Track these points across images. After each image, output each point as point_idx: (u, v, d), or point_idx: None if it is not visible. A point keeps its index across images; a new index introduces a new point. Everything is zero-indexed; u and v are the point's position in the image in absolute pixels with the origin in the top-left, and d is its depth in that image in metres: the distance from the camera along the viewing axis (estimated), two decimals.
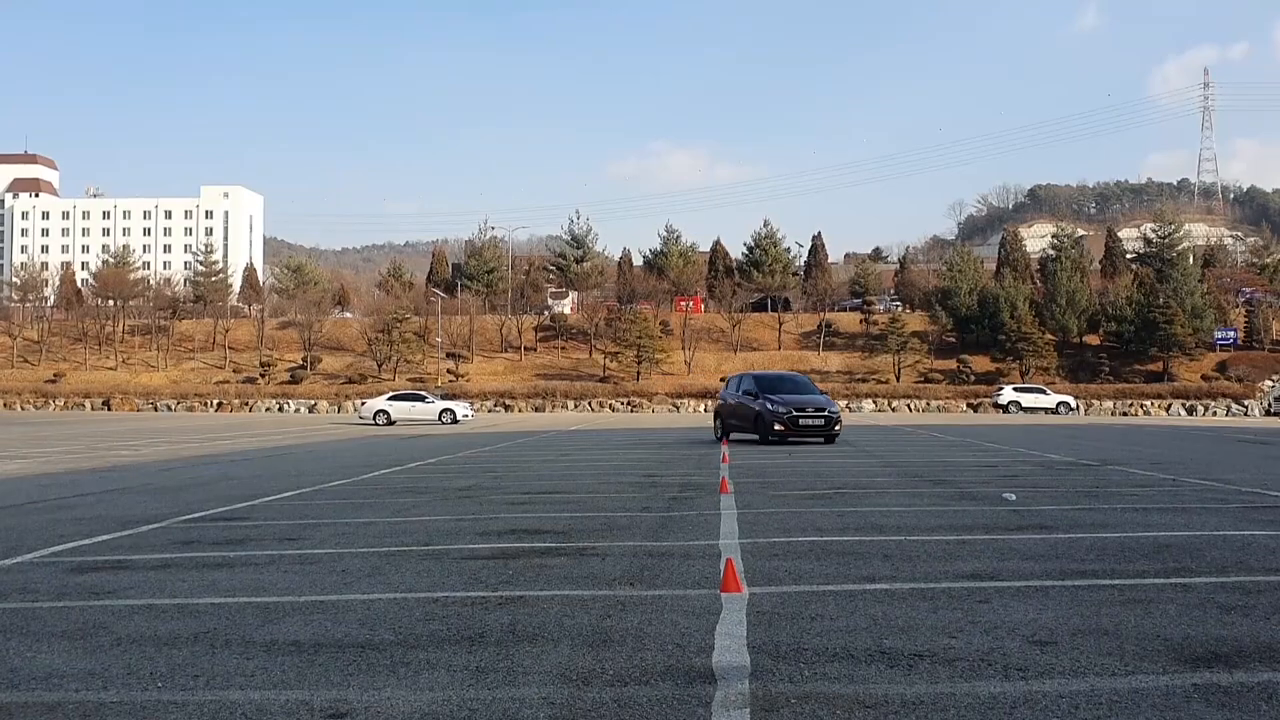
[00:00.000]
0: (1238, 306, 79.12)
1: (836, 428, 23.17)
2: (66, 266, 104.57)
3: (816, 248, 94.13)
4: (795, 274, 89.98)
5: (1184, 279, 75.53)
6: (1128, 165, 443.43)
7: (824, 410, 23.07)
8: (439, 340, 75.26)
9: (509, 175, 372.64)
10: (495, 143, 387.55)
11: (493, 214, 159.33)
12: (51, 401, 71.64)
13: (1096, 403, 64.55)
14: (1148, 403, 64.84)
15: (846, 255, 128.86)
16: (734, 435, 24.98)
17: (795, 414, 22.55)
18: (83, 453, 21.84)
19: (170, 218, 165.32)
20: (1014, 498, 11.36)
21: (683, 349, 75.40)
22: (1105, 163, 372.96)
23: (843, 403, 66.73)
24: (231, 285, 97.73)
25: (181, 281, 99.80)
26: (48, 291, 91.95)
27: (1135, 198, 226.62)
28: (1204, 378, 68.69)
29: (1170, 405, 64.11)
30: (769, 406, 22.77)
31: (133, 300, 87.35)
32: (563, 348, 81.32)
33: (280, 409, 68.61)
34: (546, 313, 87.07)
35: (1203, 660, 4.56)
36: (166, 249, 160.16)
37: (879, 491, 12.36)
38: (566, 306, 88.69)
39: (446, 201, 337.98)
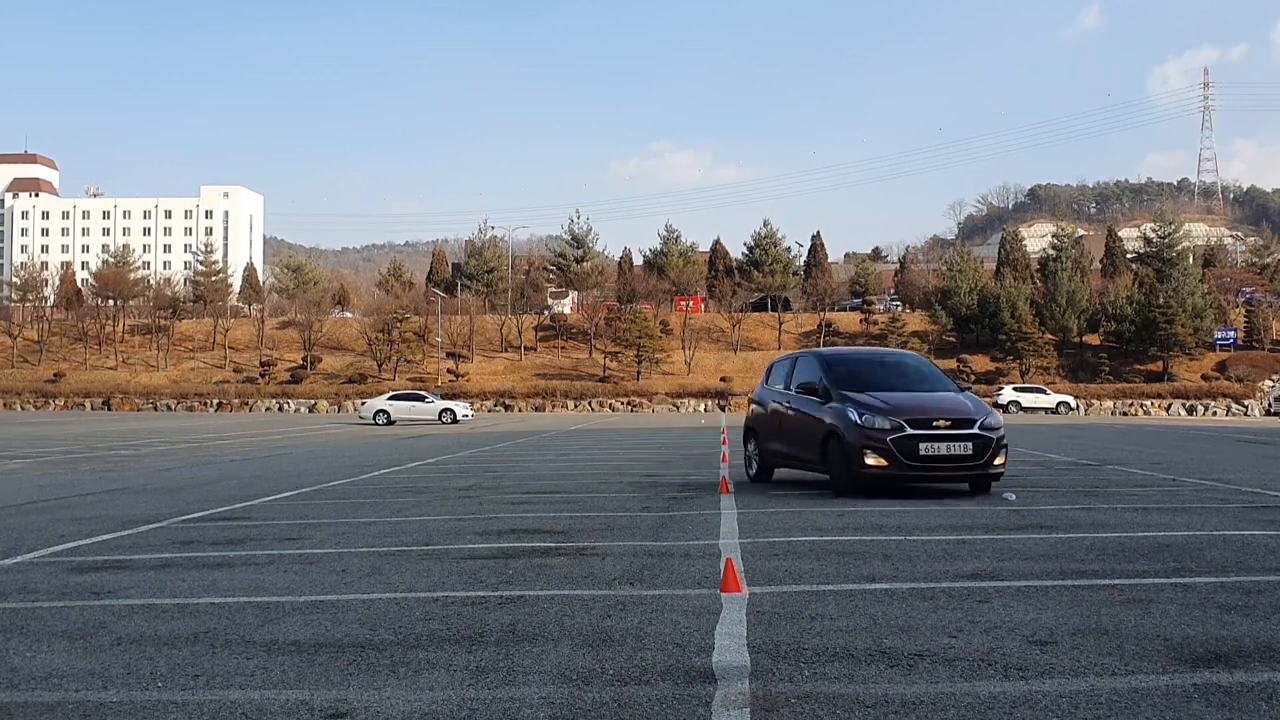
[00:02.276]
0: (1238, 306, 79.15)
1: (998, 461, 11.44)
2: (66, 266, 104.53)
3: (816, 247, 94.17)
4: (795, 274, 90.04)
5: (1184, 279, 75.58)
6: (1128, 165, 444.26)
7: (974, 424, 11.29)
8: (439, 340, 75.26)
9: (509, 175, 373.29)
10: (495, 143, 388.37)
11: (493, 214, 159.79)
12: (51, 401, 71.64)
13: (1096, 402, 64.56)
14: (1148, 402, 64.84)
15: (846, 255, 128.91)
16: (783, 470, 13.75)
17: (913, 434, 11.02)
18: (83, 453, 21.83)
19: (170, 218, 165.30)
20: (1014, 498, 11.36)
21: (683, 349, 75.38)
22: (1105, 163, 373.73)
23: None
24: (231, 285, 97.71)
25: (181, 281, 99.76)
26: (48, 291, 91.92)
27: (1135, 198, 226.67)
28: (1204, 378, 68.70)
29: (1170, 405, 64.12)
30: (855, 416, 11.33)
31: (133, 300, 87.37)
32: (563, 348, 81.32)
33: (280, 409, 68.61)
34: (546, 312, 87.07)
35: (1203, 660, 4.55)
36: (166, 249, 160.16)
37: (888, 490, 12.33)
38: (566, 306, 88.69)
39: (446, 201, 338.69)
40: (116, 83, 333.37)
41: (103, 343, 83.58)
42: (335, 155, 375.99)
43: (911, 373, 12.93)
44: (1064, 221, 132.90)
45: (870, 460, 11.10)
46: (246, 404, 69.30)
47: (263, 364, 76.19)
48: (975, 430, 11.20)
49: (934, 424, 11.14)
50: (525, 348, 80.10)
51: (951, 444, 11.08)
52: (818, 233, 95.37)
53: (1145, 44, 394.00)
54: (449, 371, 72.84)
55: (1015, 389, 62.82)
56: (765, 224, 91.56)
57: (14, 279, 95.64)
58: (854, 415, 11.33)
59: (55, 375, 76.13)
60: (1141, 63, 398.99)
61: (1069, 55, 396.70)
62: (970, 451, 11.11)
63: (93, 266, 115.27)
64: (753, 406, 14.38)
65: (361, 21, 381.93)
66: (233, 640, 5.12)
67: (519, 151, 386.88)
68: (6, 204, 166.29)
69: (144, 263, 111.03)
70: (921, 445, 10.99)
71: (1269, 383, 65.63)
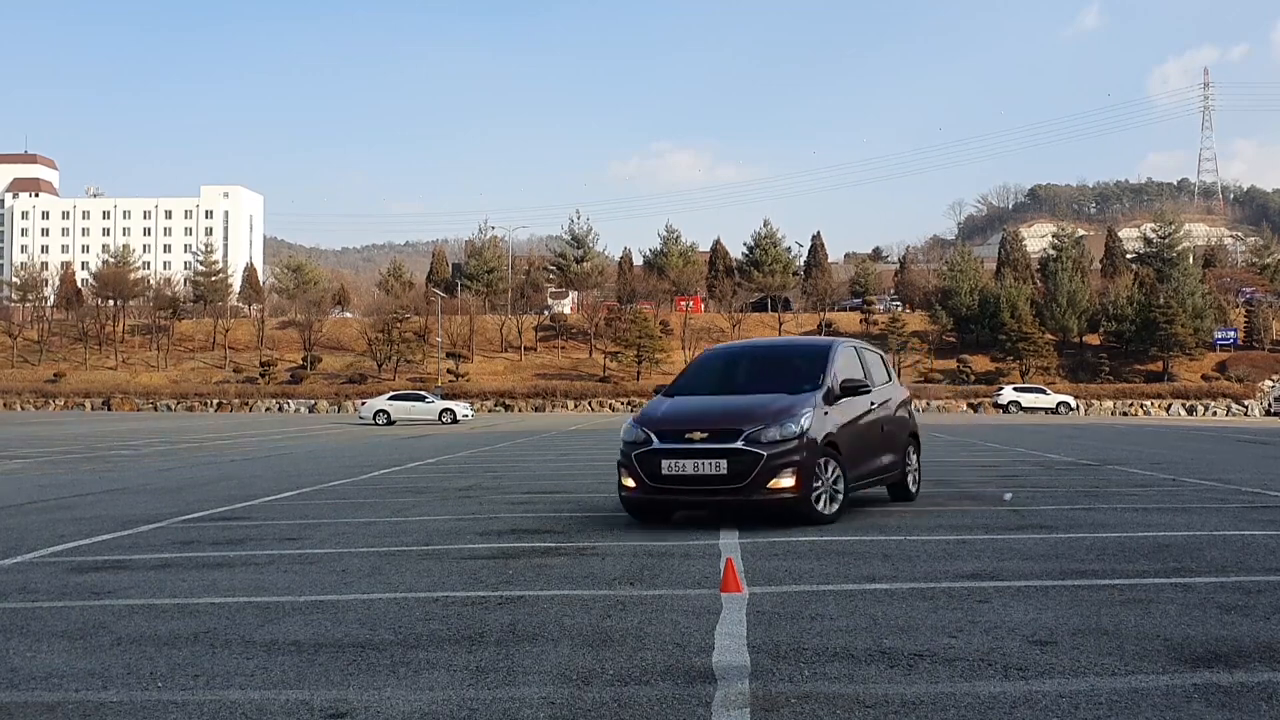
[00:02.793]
0: (1238, 306, 79.22)
1: (774, 484, 8.71)
2: (66, 266, 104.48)
3: (816, 247, 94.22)
4: (795, 274, 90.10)
5: (1184, 279, 75.66)
6: (1128, 165, 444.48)
7: (737, 436, 8.76)
8: (439, 340, 75.27)
9: (509, 175, 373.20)
10: (495, 143, 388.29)
11: (493, 214, 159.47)
12: (51, 401, 71.66)
13: (1096, 403, 64.58)
14: (1148, 402, 64.88)
15: (846, 255, 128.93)
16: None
17: (659, 448, 8.93)
18: (83, 453, 21.83)
19: (170, 218, 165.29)
20: (1013, 497, 11.37)
21: (683, 349, 75.38)
22: (1105, 163, 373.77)
23: None
24: (231, 285, 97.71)
25: (181, 281, 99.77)
26: (48, 291, 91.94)
27: (1135, 198, 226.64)
28: (1204, 378, 68.74)
29: (1170, 405, 64.15)
30: (630, 431, 9.37)
31: (133, 300, 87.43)
32: (563, 348, 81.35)
33: (280, 409, 68.62)
34: (546, 313, 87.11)
35: (1203, 660, 4.55)
36: (166, 249, 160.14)
37: (879, 491, 12.34)
38: (566, 306, 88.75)
39: (446, 201, 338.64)
40: (116, 83, 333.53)
41: (103, 343, 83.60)
42: (335, 155, 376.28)
43: (768, 367, 10.44)
44: (1064, 221, 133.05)
45: (625, 480, 9.24)
46: (246, 404, 69.30)
47: (263, 364, 76.21)
48: (737, 444, 8.64)
49: (686, 436, 8.87)
50: (525, 348, 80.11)
51: (700, 461, 8.71)
52: (818, 233, 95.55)
53: (1145, 44, 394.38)
54: (449, 371, 72.84)
55: (1015, 389, 62.89)
56: (765, 224, 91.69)
57: (14, 279, 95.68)
58: (635, 429, 9.32)
59: (55, 375, 76.16)
60: (1141, 63, 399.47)
61: (1069, 55, 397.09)
62: (724, 471, 8.64)
63: (93, 266, 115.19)
64: None
65: (361, 21, 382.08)
66: (233, 640, 5.12)
67: (519, 151, 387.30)
68: (6, 204, 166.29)
69: (144, 263, 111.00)
70: (664, 462, 8.82)
71: (1269, 383, 65.64)
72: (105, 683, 4.40)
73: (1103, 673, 4.37)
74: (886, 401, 10.71)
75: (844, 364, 10.03)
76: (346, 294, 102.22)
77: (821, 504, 8.96)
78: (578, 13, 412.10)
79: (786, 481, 8.68)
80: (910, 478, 11.25)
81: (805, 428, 8.81)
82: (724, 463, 8.67)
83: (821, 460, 8.95)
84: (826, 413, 9.19)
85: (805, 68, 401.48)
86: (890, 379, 11.31)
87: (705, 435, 8.82)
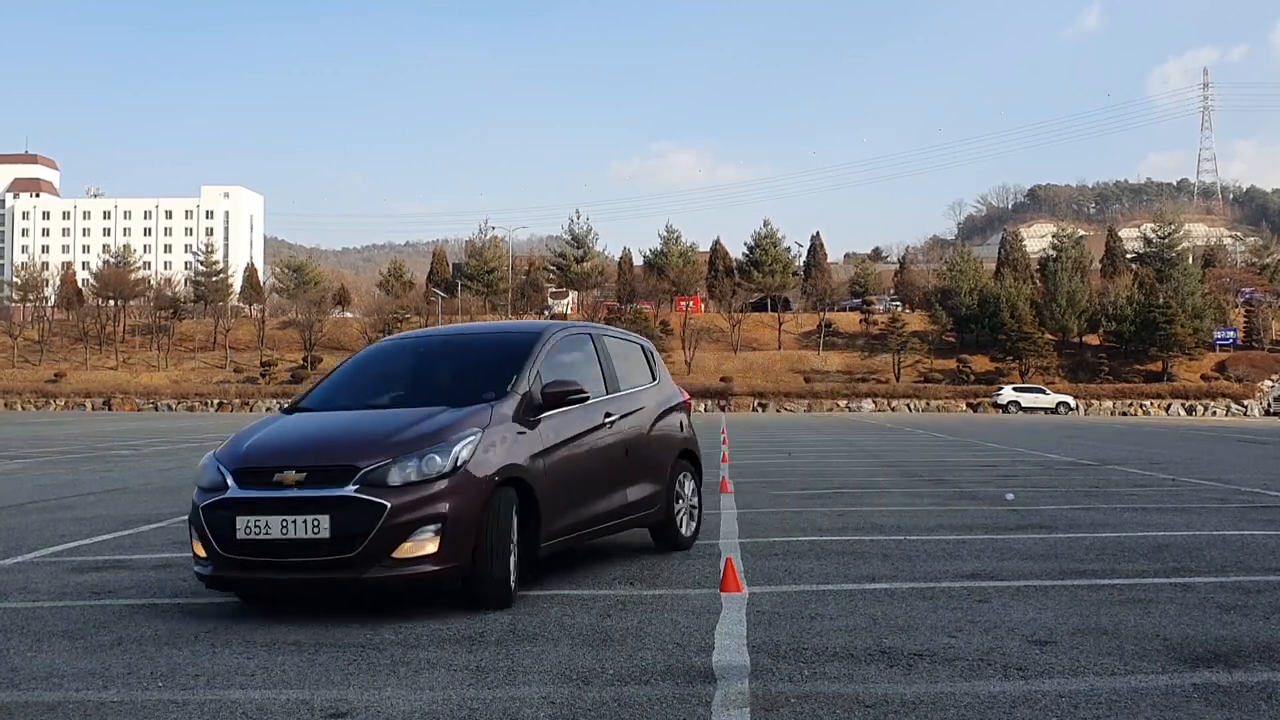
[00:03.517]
0: (1237, 306, 79.23)
1: (405, 551, 5.37)
2: (67, 266, 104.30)
3: (816, 247, 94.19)
4: (795, 274, 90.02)
5: (1184, 279, 75.66)
6: (1128, 165, 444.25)
7: (352, 475, 5.43)
8: None
9: (509, 175, 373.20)
10: (495, 143, 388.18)
11: (493, 214, 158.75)
12: (52, 401, 71.70)
13: (1096, 403, 64.61)
14: (1147, 403, 64.91)
15: (846, 255, 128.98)
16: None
17: (237, 498, 5.54)
18: (83, 452, 21.83)
19: (170, 218, 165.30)
20: (1013, 497, 11.37)
21: (683, 349, 75.41)
22: (1105, 163, 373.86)
23: (843, 402, 66.76)
24: (232, 285, 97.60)
25: (182, 281, 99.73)
26: (48, 291, 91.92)
27: (1135, 198, 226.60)
28: (1204, 378, 68.76)
29: (1170, 405, 64.19)
30: (204, 472, 5.86)
31: (133, 300, 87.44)
32: None
33: (281, 409, 68.66)
34: (546, 312, 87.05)
35: (1203, 660, 4.56)
36: (167, 249, 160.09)
37: (879, 491, 12.36)
38: (567, 306, 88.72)
39: (446, 201, 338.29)
40: (116, 83, 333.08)
41: (103, 343, 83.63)
42: (335, 155, 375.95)
43: (453, 366, 7.06)
44: (1064, 221, 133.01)
45: (194, 546, 5.82)
46: (247, 404, 69.35)
47: (263, 364, 76.25)
48: (346, 490, 5.45)
49: (276, 478, 5.56)
50: None
51: (291, 519, 5.41)
52: (817, 233, 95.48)
53: (1145, 44, 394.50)
54: None
55: (1015, 389, 63.00)
56: (765, 224, 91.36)
57: (14, 279, 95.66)
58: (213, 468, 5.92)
59: (56, 375, 76.17)
60: (1141, 63, 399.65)
61: (1069, 55, 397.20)
62: (326, 534, 5.37)
63: (93, 266, 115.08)
64: None
65: (361, 21, 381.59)
66: (233, 640, 5.13)
67: (519, 151, 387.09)
68: (7, 204, 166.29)
69: (144, 263, 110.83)
70: (240, 521, 5.49)
71: (1268, 383, 65.68)
72: (105, 682, 4.40)
73: (1102, 672, 4.37)
74: (637, 411, 7.41)
75: (557, 361, 6.86)
76: (347, 294, 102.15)
77: (510, 573, 5.77)
78: (578, 13, 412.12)
79: (424, 547, 5.45)
80: (680, 517, 7.83)
81: (462, 459, 5.65)
82: (325, 519, 5.39)
83: (500, 508, 5.77)
84: (519, 433, 6.10)
85: (805, 68, 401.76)
86: (656, 379, 8.03)
87: (303, 476, 5.54)
